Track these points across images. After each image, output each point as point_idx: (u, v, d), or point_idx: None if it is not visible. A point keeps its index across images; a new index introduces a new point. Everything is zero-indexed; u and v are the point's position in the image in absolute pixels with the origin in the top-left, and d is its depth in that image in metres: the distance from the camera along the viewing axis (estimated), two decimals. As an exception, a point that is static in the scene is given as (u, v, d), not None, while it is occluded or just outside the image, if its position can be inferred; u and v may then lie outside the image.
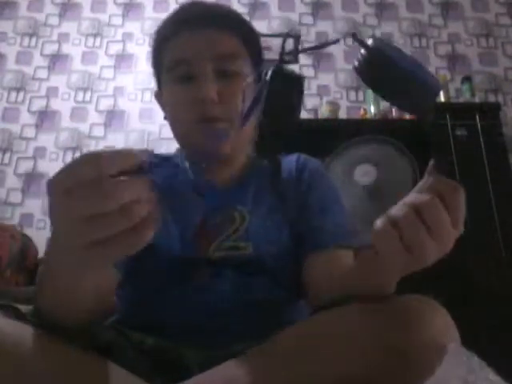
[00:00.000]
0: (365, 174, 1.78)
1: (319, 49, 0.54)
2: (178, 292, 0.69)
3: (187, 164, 0.80)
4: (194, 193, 0.76)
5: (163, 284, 0.70)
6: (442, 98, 2.38)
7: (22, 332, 0.48)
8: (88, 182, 0.36)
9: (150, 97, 2.59)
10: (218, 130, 0.71)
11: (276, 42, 2.65)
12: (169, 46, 0.78)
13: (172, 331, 0.64)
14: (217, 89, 0.72)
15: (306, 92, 2.58)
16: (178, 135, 0.80)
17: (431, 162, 0.47)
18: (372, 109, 2.33)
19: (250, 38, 0.80)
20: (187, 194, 0.77)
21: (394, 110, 2.40)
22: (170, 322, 0.66)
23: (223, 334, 0.59)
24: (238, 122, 0.68)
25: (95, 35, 2.74)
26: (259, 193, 0.79)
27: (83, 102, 2.59)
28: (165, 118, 0.83)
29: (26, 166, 2.44)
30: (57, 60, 2.67)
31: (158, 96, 0.85)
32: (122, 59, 2.68)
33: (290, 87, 0.49)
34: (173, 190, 0.76)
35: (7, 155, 2.47)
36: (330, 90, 2.61)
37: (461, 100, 2.46)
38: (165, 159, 0.84)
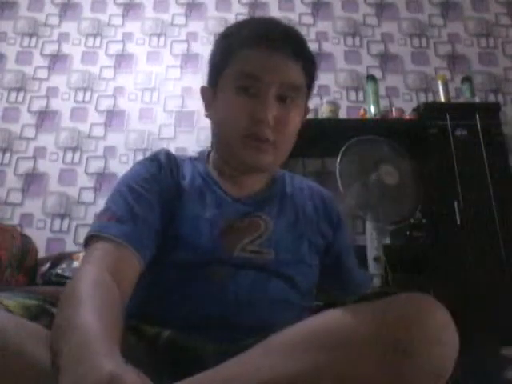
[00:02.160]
0: (387, 174, 1.79)
1: None
2: (199, 286, 0.70)
3: (210, 167, 0.85)
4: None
5: (184, 277, 0.71)
6: (442, 98, 2.38)
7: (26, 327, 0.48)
8: None
9: (149, 97, 2.59)
10: (261, 149, 0.76)
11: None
12: (241, 55, 0.77)
13: (189, 324, 0.65)
14: (275, 112, 0.75)
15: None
16: (221, 140, 0.82)
17: None
18: (372, 109, 2.32)
19: (312, 72, 0.83)
20: (218, 194, 0.80)
21: (393, 109, 2.41)
22: (188, 315, 0.67)
23: (238, 329, 0.60)
24: (282, 148, 0.78)
25: (95, 35, 2.74)
26: (283, 206, 0.85)
27: (83, 102, 2.59)
28: (207, 115, 0.85)
29: (26, 166, 2.44)
30: (57, 60, 2.67)
31: (206, 93, 0.85)
32: (122, 59, 2.68)
33: None
34: (204, 187, 0.80)
35: (7, 155, 2.47)
36: (329, 90, 2.61)
37: (461, 100, 2.46)
38: (190, 159, 0.88)
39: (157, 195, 0.75)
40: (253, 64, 0.76)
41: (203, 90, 0.86)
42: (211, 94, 0.82)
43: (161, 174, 0.79)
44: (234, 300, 0.70)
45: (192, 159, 0.88)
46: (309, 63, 0.81)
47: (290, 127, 0.78)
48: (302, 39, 0.82)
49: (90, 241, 0.67)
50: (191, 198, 0.78)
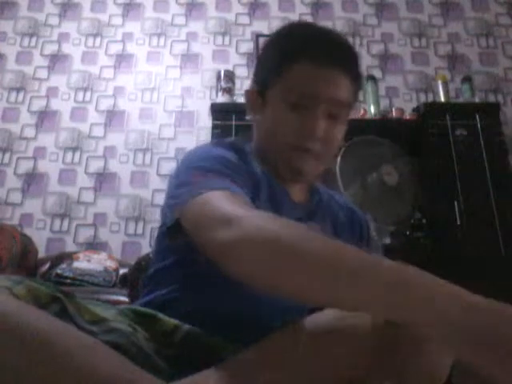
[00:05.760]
0: (388, 174, 1.79)
1: None
2: (237, 283, 0.68)
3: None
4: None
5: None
6: (441, 97, 2.38)
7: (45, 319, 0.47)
8: None
9: (149, 97, 2.59)
10: (305, 158, 0.78)
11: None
12: (295, 70, 0.76)
13: (217, 321, 0.64)
14: (325, 128, 0.76)
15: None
16: (269, 147, 0.81)
17: None
18: (372, 109, 2.33)
19: (359, 87, 0.83)
20: (282, 195, 0.79)
21: (393, 109, 2.41)
22: (218, 311, 0.66)
23: (266, 332, 0.58)
24: (324, 159, 0.79)
25: (95, 35, 2.74)
26: (324, 217, 0.85)
27: (83, 101, 2.59)
28: (251, 119, 0.84)
29: (26, 166, 2.44)
30: (57, 60, 2.67)
31: (253, 97, 0.83)
32: (122, 59, 2.68)
33: None
34: (269, 184, 0.78)
35: (7, 155, 2.47)
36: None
37: (461, 100, 2.46)
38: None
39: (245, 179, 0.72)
40: (306, 81, 0.75)
41: (248, 93, 0.85)
42: (260, 99, 0.81)
43: (240, 163, 0.76)
44: (270, 302, 0.67)
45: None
46: (357, 79, 0.80)
47: (335, 142, 0.80)
48: (354, 54, 0.81)
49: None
50: (263, 191, 0.76)
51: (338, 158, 1.79)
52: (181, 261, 0.72)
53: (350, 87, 0.78)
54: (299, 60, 0.76)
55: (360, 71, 0.82)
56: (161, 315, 0.63)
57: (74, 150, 2.49)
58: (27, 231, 2.19)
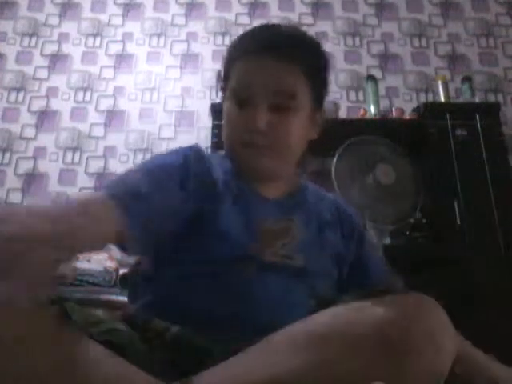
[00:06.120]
0: (383, 174, 1.79)
1: None
2: (224, 282, 0.69)
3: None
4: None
5: (212, 272, 0.69)
6: (441, 97, 2.38)
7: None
8: None
9: (149, 97, 2.59)
10: (259, 153, 0.77)
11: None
12: (234, 69, 0.80)
13: (203, 321, 0.64)
14: (268, 119, 0.75)
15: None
16: (226, 147, 0.83)
17: None
18: (372, 109, 2.33)
19: (316, 73, 0.82)
20: (254, 193, 0.80)
21: (393, 109, 2.41)
22: (204, 312, 0.66)
23: (251, 331, 0.59)
24: (282, 152, 0.78)
25: (95, 35, 2.74)
26: (309, 215, 0.84)
27: (83, 101, 2.59)
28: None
29: (26, 166, 2.44)
30: (57, 60, 2.68)
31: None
32: (122, 59, 2.68)
33: None
34: (238, 185, 0.79)
35: (7, 155, 2.47)
36: (330, 90, 2.60)
37: (461, 100, 2.46)
38: (222, 157, 0.85)
39: (181, 184, 0.71)
40: (243, 74, 0.78)
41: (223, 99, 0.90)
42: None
43: (191, 165, 0.75)
44: (255, 301, 0.68)
45: (222, 156, 0.86)
46: (312, 63, 0.80)
47: (288, 133, 0.78)
48: (300, 43, 0.81)
49: None
50: (226, 194, 0.76)
51: (335, 158, 1.79)
52: (170, 262, 0.72)
53: (298, 75, 0.78)
54: (236, 61, 0.80)
55: (317, 62, 0.82)
56: (151, 318, 0.63)
57: (74, 150, 2.49)
58: (27, 231, 2.18)
